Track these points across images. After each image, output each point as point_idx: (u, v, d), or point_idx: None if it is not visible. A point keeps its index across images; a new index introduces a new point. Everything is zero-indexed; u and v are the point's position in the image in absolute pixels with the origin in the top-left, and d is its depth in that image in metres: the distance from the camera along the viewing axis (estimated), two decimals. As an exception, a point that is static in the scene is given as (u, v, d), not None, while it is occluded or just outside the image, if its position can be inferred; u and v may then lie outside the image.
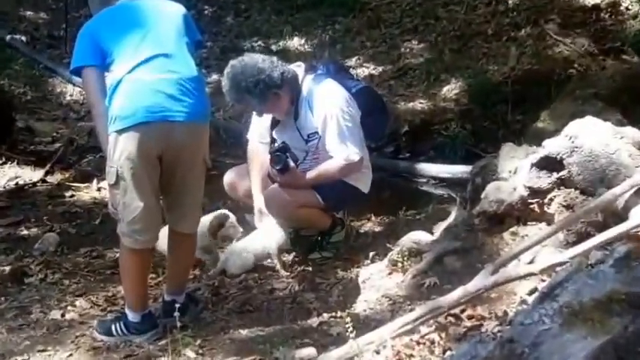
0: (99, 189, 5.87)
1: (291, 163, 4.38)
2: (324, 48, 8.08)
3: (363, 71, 7.54)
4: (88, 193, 5.90)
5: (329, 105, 4.36)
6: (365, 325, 3.50)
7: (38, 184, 6.05)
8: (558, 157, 3.62)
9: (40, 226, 5.26)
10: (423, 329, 3.09)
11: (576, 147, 3.59)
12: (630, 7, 7.31)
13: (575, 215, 3.49)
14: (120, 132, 3.51)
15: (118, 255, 4.08)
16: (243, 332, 3.79)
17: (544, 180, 3.67)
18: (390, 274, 4.06)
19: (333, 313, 3.85)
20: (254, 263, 4.48)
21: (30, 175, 6.18)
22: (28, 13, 9.48)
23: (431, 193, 5.97)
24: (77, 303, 4.18)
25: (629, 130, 3.74)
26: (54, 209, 5.59)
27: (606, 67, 6.51)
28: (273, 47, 8.11)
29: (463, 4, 7.99)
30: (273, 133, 4.59)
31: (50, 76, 8.16)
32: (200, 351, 3.58)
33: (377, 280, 4.06)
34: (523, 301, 3.15)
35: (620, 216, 3.37)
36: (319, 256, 4.62)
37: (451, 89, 7.01)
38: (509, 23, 7.54)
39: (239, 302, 4.12)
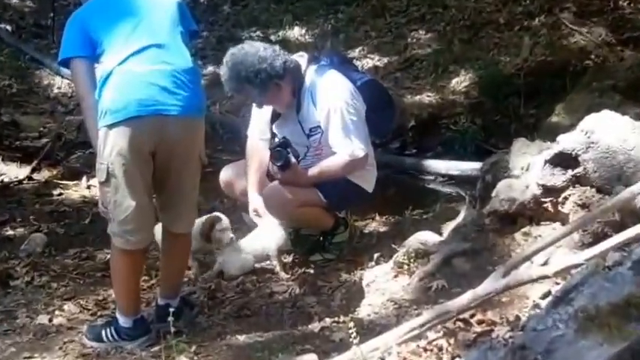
0: (88, 187, 5.88)
1: (293, 159, 4.38)
2: (327, 38, 8.08)
3: (367, 63, 7.55)
4: (77, 191, 5.91)
5: (333, 98, 4.36)
6: (369, 330, 3.50)
7: (24, 182, 6.07)
8: (573, 153, 3.62)
9: (27, 226, 5.27)
10: (431, 335, 3.09)
11: (592, 142, 3.59)
12: (650, -6, 7.32)
13: (591, 215, 3.49)
14: (110, 126, 3.52)
15: (108, 256, 4.09)
16: (241, 338, 3.80)
17: (558, 177, 3.67)
18: (395, 276, 4.06)
19: (336, 318, 3.86)
20: (252, 265, 4.49)
21: (16, 172, 6.20)
22: (14, 0, 9.49)
23: (439, 192, 5.97)
24: (65, 307, 4.19)
25: (649, 125, 3.74)
26: (41, 208, 5.60)
27: (624, 58, 6.52)
28: (273, 37, 8.11)
29: (473, -9, 8.00)
30: (274, 127, 4.59)
31: (37, 68, 8.18)
32: (195, 358, 3.59)
33: (382, 283, 4.07)
34: (536, 306, 3.16)
35: (639, 215, 3.37)
36: (321, 257, 4.63)
37: (460, 81, 7.01)
38: (522, 12, 7.55)
39: (236, 306, 4.13)
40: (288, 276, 4.43)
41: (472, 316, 3.20)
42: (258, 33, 8.36)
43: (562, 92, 6.24)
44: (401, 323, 3.32)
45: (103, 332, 3.81)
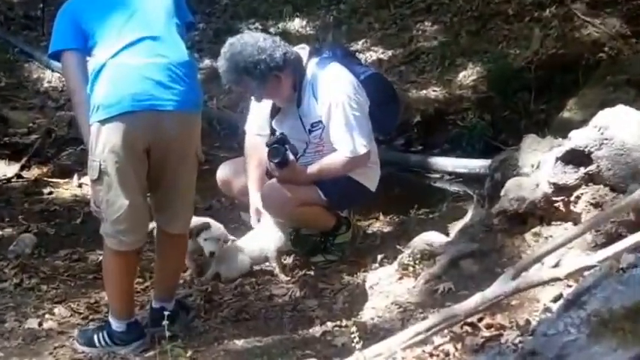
0: (80, 185, 5.88)
1: (291, 156, 4.38)
2: (328, 30, 8.08)
3: (370, 56, 7.55)
4: (68, 189, 5.92)
5: (334, 91, 4.36)
6: (372, 335, 3.51)
7: (13, 180, 6.07)
8: (586, 150, 3.61)
9: (16, 226, 5.27)
10: (437, 340, 3.09)
11: (606, 139, 3.58)
12: (667, -16, 7.30)
13: (605, 214, 3.49)
14: (103, 122, 3.52)
15: (100, 258, 4.09)
16: (239, 343, 3.80)
17: (570, 175, 3.67)
18: (400, 278, 4.06)
19: (338, 322, 3.86)
20: (251, 266, 4.49)
21: (4, 169, 6.20)
22: (2, -9, 9.50)
23: (445, 190, 5.98)
24: (56, 311, 4.19)
25: (665, 121, 3.73)
26: (30, 207, 5.60)
27: (640, 51, 6.52)
28: (272, 29, 8.10)
29: (481, -19, 7.99)
30: (273, 122, 4.59)
31: (26, 61, 8.18)
32: (191, 363, 3.60)
33: (386, 286, 4.07)
34: (547, 309, 3.16)
35: (655, 215, 3.37)
36: (322, 259, 4.63)
37: (468, 75, 7.01)
38: (532, 2, 7.53)
39: (234, 310, 4.13)
40: (288, 278, 4.43)
41: (480, 320, 3.20)
42: (257, 25, 8.35)
43: (574, 87, 6.24)
44: (406, 327, 3.33)
45: (95, 337, 3.81)
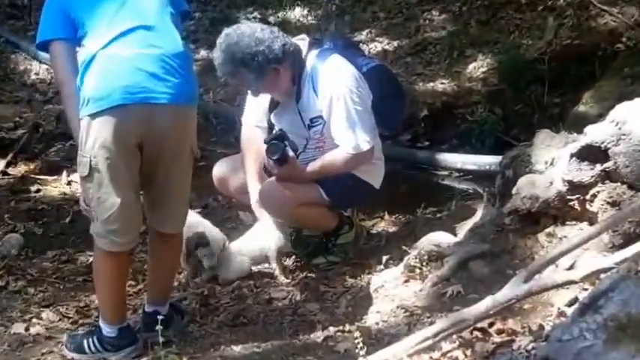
0: (69, 182, 5.89)
1: (291, 153, 4.38)
2: (331, 20, 8.08)
3: (375, 46, 7.55)
4: (56, 187, 5.92)
5: (335, 84, 4.36)
6: (377, 340, 3.52)
7: (-2, 177, 6.08)
8: (603, 146, 3.62)
9: (1, 226, 5.27)
10: (445, 346, 3.09)
11: (624, 134, 3.58)
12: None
13: (622, 214, 3.49)
14: (93, 116, 3.51)
15: (91, 259, 4.09)
16: (237, 349, 3.80)
17: (586, 173, 3.67)
18: (406, 281, 4.07)
19: (341, 327, 3.87)
20: (249, 268, 4.49)
21: (-11, 166, 6.20)
22: (-14, -22, 9.50)
23: (454, 188, 5.98)
24: (44, 315, 4.19)
25: (686, 115, 3.73)
26: (17, 206, 5.61)
27: (659, 42, 6.51)
28: (272, 19, 8.11)
29: (492, -32, 7.98)
30: (272, 117, 4.59)
31: (12, 52, 8.17)
32: (186, 370, 3.61)
33: (391, 289, 4.07)
34: (561, 314, 3.16)
35: (675, 215, 3.37)
36: (324, 260, 4.63)
37: (478, 67, 7.01)
38: (545, -10, 7.54)
39: (232, 314, 4.14)
40: (289, 280, 4.44)
41: (491, 325, 3.20)
42: (255, 14, 8.35)
43: (590, 79, 6.24)
44: (412, 333, 3.34)
45: (85, 342, 3.81)
